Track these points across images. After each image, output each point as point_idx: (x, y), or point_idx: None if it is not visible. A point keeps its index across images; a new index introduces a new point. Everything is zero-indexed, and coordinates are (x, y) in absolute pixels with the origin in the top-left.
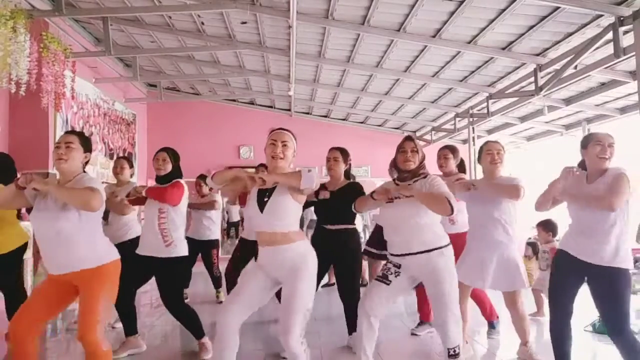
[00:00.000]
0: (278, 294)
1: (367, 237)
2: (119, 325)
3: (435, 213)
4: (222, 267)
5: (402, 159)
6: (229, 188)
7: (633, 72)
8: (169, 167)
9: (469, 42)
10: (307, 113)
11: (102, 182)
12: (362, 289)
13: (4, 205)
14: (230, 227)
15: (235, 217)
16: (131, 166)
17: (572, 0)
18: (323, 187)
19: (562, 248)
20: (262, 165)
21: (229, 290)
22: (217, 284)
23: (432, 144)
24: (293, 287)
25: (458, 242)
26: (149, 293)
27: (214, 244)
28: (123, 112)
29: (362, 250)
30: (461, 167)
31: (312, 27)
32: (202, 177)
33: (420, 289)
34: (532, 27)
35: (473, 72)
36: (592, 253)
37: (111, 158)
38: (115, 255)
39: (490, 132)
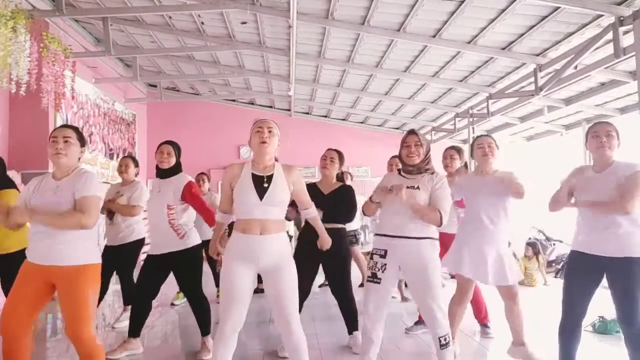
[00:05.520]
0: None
1: (366, 238)
2: (119, 325)
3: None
4: None
5: (405, 153)
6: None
7: (633, 72)
8: (173, 161)
9: (469, 42)
10: (307, 113)
11: (105, 183)
12: (360, 289)
13: None
14: (231, 227)
15: (234, 217)
16: (136, 165)
17: (572, 0)
18: (314, 186)
19: (575, 249)
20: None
21: None
22: (219, 282)
23: (432, 144)
24: (281, 287)
25: None
26: None
27: None
28: (123, 112)
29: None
30: (464, 168)
31: (312, 27)
32: (201, 174)
33: None
34: (532, 27)
35: (473, 72)
36: (607, 246)
37: (111, 158)
38: (99, 259)
39: (490, 132)
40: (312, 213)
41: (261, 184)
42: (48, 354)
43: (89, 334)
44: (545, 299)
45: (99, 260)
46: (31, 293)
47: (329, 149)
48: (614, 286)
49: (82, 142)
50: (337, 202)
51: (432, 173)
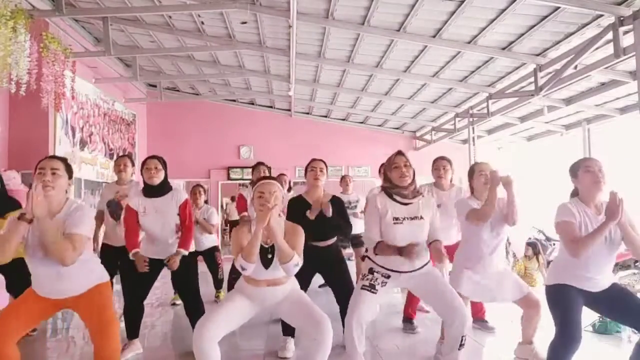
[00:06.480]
0: None
1: None
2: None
3: None
4: (225, 267)
5: (397, 175)
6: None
7: (633, 72)
8: (162, 175)
9: (469, 42)
10: (307, 113)
11: (105, 183)
12: None
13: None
14: (232, 226)
15: (234, 216)
16: (133, 165)
17: (572, 0)
18: (303, 200)
19: (564, 282)
20: (260, 163)
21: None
22: (218, 285)
23: (432, 144)
24: (299, 302)
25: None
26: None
27: (215, 248)
28: (123, 112)
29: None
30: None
31: (312, 27)
32: (198, 186)
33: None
34: (532, 27)
35: (473, 72)
36: (597, 285)
37: (111, 158)
38: (108, 277)
39: (490, 132)
40: (296, 259)
41: (266, 255)
42: (48, 354)
43: (116, 346)
44: (545, 298)
45: (108, 278)
46: (25, 313)
47: (314, 160)
48: (610, 311)
49: (70, 173)
50: (331, 218)
51: (422, 194)
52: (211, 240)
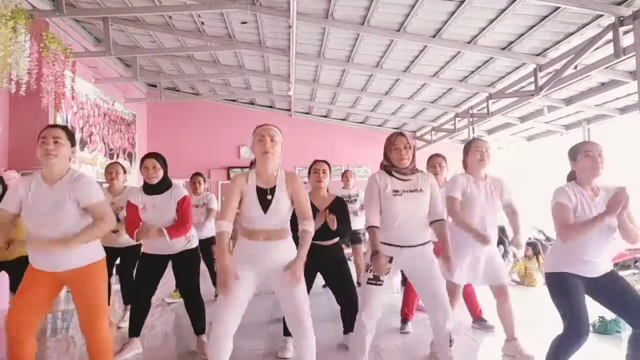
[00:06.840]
0: None
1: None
2: (124, 324)
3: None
4: None
5: (397, 157)
6: None
7: (633, 72)
8: (160, 174)
9: (469, 42)
10: (307, 113)
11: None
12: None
13: None
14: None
15: None
16: (125, 172)
17: (572, 0)
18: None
19: (563, 270)
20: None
21: None
22: (216, 282)
23: (432, 144)
24: (291, 295)
25: None
26: None
27: (211, 240)
28: (123, 112)
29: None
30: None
31: (312, 27)
32: (198, 175)
33: (407, 287)
34: (532, 27)
35: (473, 72)
36: (594, 269)
37: (111, 158)
38: (103, 254)
39: (490, 132)
40: (307, 227)
41: (265, 197)
42: (48, 354)
43: (104, 329)
44: (545, 298)
45: (104, 255)
46: (37, 298)
47: (317, 161)
48: (609, 303)
49: (72, 141)
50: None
51: (422, 172)
52: (209, 229)
